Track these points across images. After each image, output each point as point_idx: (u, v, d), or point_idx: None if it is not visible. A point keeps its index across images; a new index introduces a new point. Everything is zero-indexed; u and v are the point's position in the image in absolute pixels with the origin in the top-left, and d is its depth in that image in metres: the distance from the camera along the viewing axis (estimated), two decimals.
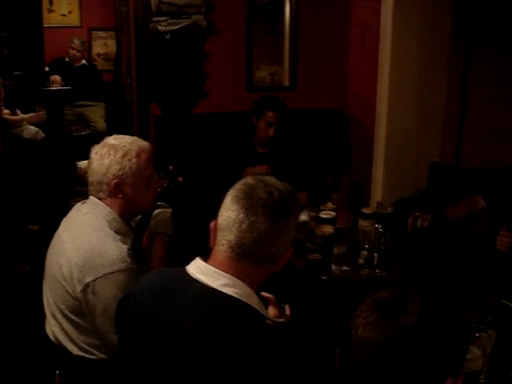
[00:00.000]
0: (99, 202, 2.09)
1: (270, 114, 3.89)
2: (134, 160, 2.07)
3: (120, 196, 2.07)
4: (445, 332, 1.18)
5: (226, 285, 1.43)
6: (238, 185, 1.51)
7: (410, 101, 4.30)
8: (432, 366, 1.15)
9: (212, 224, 1.52)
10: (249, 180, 1.51)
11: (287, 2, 4.79)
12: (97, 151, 2.09)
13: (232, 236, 1.44)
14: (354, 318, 1.20)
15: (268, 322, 1.50)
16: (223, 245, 1.46)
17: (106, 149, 2.07)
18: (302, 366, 1.39)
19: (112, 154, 2.05)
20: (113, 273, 1.91)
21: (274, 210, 1.45)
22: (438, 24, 4.21)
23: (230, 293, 1.42)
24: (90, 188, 2.10)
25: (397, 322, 1.14)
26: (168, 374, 1.40)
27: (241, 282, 1.45)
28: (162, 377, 1.41)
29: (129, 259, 1.96)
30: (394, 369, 1.13)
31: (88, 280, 1.92)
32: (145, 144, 2.15)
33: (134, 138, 2.17)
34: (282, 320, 1.67)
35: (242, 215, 1.43)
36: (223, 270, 1.45)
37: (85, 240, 1.99)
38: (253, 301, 1.46)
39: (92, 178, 2.08)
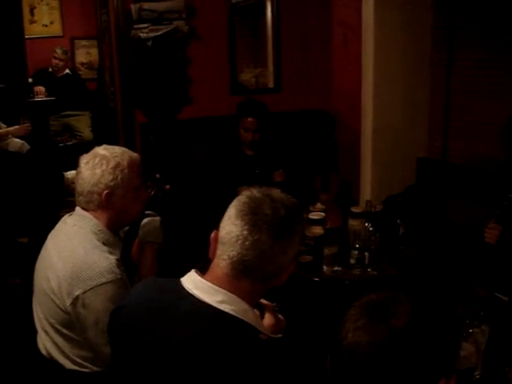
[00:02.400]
0: (86, 213, 2.07)
1: (248, 119, 3.90)
2: (125, 171, 2.05)
3: (109, 207, 2.05)
4: (436, 333, 1.16)
5: (222, 301, 1.39)
6: (243, 197, 1.45)
7: (395, 97, 4.31)
8: (424, 367, 1.14)
9: (213, 234, 1.47)
10: (255, 193, 1.46)
11: (268, 3, 4.78)
12: (87, 161, 2.06)
13: (234, 252, 1.39)
14: (344, 322, 1.19)
15: (262, 336, 1.46)
16: (224, 259, 1.41)
17: (97, 159, 2.04)
18: (293, 382, 1.36)
19: (104, 165, 2.03)
20: (102, 284, 1.89)
21: (279, 228, 1.40)
22: (420, 19, 4.22)
23: (226, 310, 1.38)
24: (79, 198, 2.07)
25: (386, 325, 1.13)
26: None
27: (238, 299, 1.41)
28: None
29: (117, 270, 1.94)
30: (385, 373, 1.12)
31: (77, 293, 1.90)
32: (135, 155, 2.14)
33: (124, 149, 2.15)
34: (278, 335, 1.63)
35: (245, 232, 1.38)
36: (220, 286, 1.41)
37: (72, 253, 1.97)
38: (249, 317, 1.42)
39: (81, 187, 2.05)
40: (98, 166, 2.03)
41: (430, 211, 3.86)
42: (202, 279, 1.44)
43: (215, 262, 1.45)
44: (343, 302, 1.34)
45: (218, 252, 1.44)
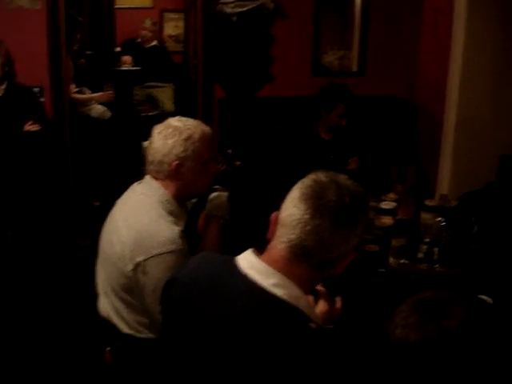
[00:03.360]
0: (154, 182, 2.10)
1: (343, 106, 3.83)
2: (197, 144, 2.07)
3: (178, 178, 2.07)
4: (490, 340, 1.10)
5: (276, 285, 1.36)
6: (309, 180, 1.41)
7: (483, 90, 4.13)
8: (473, 374, 1.08)
9: (273, 215, 1.45)
10: (321, 177, 1.41)
11: None
12: (160, 131, 2.09)
13: (294, 236, 1.36)
14: (393, 317, 1.14)
15: (313, 325, 1.43)
16: (283, 242, 1.38)
17: (170, 129, 2.07)
18: (338, 374, 1.32)
19: (177, 135, 2.05)
20: (163, 254, 1.92)
21: (343, 216, 1.36)
22: None
23: (278, 293, 1.36)
24: (150, 167, 2.10)
25: (438, 325, 1.08)
26: (206, 363, 1.37)
27: (292, 284, 1.38)
28: (201, 365, 1.39)
29: (180, 241, 1.96)
30: (432, 374, 1.07)
31: (139, 260, 1.94)
32: (207, 129, 2.15)
33: (198, 121, 2.17)
34: (329, 326, 1.61)
35: (307, 216, 1.35)
36: (276, 268, 1.38)
37: (137, 220, 2.00)
38: (302, 304, 1.39)
39: (153, 157, 2.08)
40: (170, 136, 2.06)
41: (509, 211, 3.69)
42: (258, 260, 1.42)
43: (273, 243, 1.42)
44: (407, 297, 1.29)
45: (278, 234, 1.41)
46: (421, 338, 1.07)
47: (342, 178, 1.43)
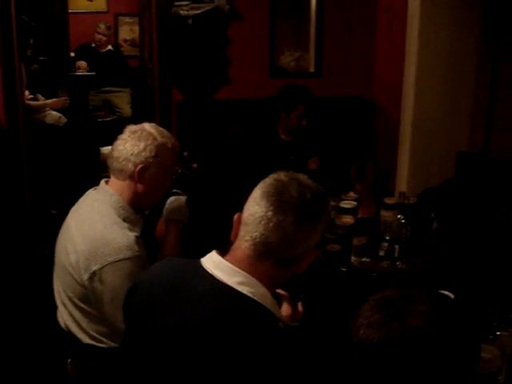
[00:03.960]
0: (108, 188, 2.07)
1: (302, 107, 3.83)
2: (166, 153, 2.08)
3: (139, 181, 2.05)
4: (454, 337, 1.09)
5: (241, 283, 1.37)
6: (270, 179, 1.43)
7: (438, 88, 4.19)
8: (438, 372, 1.08)
9: (236, 216, 1.46)
10: (282, 176, 1.44)
11: None
12: (134, 131, 2.08)
13: (257, 233, 1.37)
14: (357, 317, 1.14)
15: (280, 324, 1.44)
16: (246, 241, 1.39)
17: (145, 133, 2.06)
18: (307, 371, 1.32)
19: (150, 140, 2.05)
20: (119, 261, 1.89)
21: (305, 212, 1.38)
22: (467, 8, 4.08)
23: (244, 291, 1.36)
24: (114, 164, 2.06)
25: (402, 324, 1.07)
26: (172, 366, 1.35)
27: (257, 282, 1.39)
28: (166, 368, 1.37)
29: (136, 247, 1.93)
30: (397, 373, 1.06)
31: (94, 268, 1.90)
32: (178, 143, 2.17)
33: (171, 134, 2.17)
34: (295, 324, 1.63)
35: (270, 213, 1.36)
36: (241, 268, 1.39)
37: (91, 227, 1.96)
38: (267, 302, 1.40)
39: (120, 153, 2.05)
40: (143, 139, 2.05)
41: (468, 207, 3.74)
42: (222, 259, 1.42)
43: (237, 243, 1.43)
44: (369, 295, 1.29)
45: (241, 233, 1.42)
46: (384, 337, 1.06)
47: (302, 177, 1.46)
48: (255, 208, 1.39)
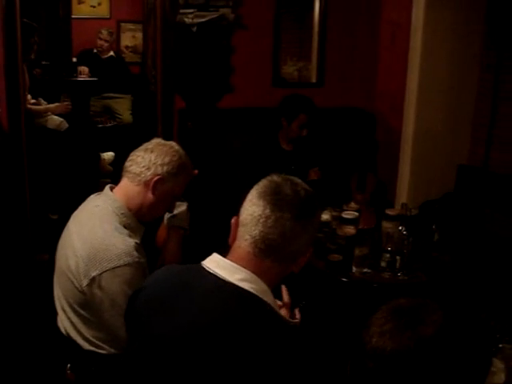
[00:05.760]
0: (112, 194, 2.07)
1: (304, 116, 3.84)
2: (183, 175, 2.12)
3: (151, 191, 2.06)
4: (466, 345, 1.10)
5: (243, 279, 1.41)
6: (264, 181, 1.49)
7: (440, 101, 4.19)
8: (450, 380, 1.08)
9: (233, 220, 1.50)
10: (274, 178, 1.50)
11: None
12: (163, 144, 2.13)
13: (256, 231, 1.41)
14: (369, 325, 1.14)
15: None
16: (246, 240, 1.43)
17: (172, 149, 2.12)
18: (313, 368, 1.35)
19: (175, 157, 2.10)
20: (119, 267, 1.88)
21: (300, 208, 1.44)
22: (470, 22, 4.09)
23: (246, 287, 1.40)
24: (131, 167, 2.09)
25: (414, 332, 1.07)
26: (180, 366, 1.37)
27: (258, 279, 1.42)
28: (173, 371, 1.38)
29: (136, 253, 1.92)
30: (409, 382, 1.06)
31: (94, 274, 1.89)
32: (195, 172, 2.24)
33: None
34: (295, 321, 1.67)
35: (268, 210, 1.41)
36: (241, 265, 1.43)
37: (91, 233, 1.96)
38: (268, 298, 1.44)
39: (142, 158, 2.08)
40: (170, 154, 2.10)
41: (468, 220, 3.75)
42: (223, 258, 1.47)
43: (236, 244, 1.47)
44: (370, 305, 1.30)
45: (239, 234, 1.46)
46: (397, 346, 1.06)
47: (294, 178, 1.52)
48: (253, 208, 1.44)
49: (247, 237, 1.43)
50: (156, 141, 2.16)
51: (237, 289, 1.40)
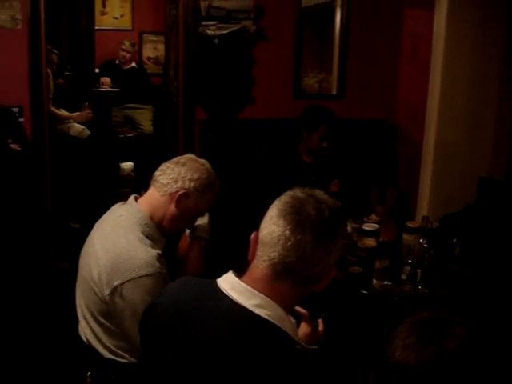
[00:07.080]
0: (136, 205, 2.08)
1: (324, 128, 3.85)
2: (210, 194, 2.13)
3: (174, 203, 2.06)
4: (489, 359, 1.09)
5: (258, 305, 1.34)
6: (286, 197, 1.41)
7: (461, 113, 4.18)
8: None
9: (253, 236, 1.43)
10: (298, 193, 1.41)
11: (338, 9, 4.72)
12: (195, 160, 2.14)
13: (275, 253, 1.34)
14: (393, 338, 1.13)
15: (298, 346, 1.41)
16: (264, 261, 1.36)
17: (203, 167, 2.13)
18: None
19: (204, 175, 2.10)
20: (141, 277, 1.89)
21: (323, 229, 1.35)
22: (491, 34, 4.08)
23: (261, 314, 1.33)
24: (161, 176, 2.10)
25: (438, 346, 1.06)
26: None
27: (275, 304, 1.36)
28: None
29: (158, 264, 1.93)
30: None
31: (116, 283, 1.90)
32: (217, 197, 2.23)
33: None
34: (313, 347, 1.59)
35: (288, 232, 1.33)
36: (258, 289, 1.36)
37: (114, 242, 1.97)
38: (285, 325, 1.37)
39: (173, 171, 2.09)
40: (199, 170, 2.10)
41: (489, 233, 3.72)
42: (239, 281, 1.40)
43: (254, 263, 1.40)
44: (390, 318, 1.28)
45: (259, 253, 1.39)
46: (421, 359, 1.05)
47: (319, 193, 1.43)
48: (273, 227, 1.36)
49: (265, 257, 1.36)
50: (189, 156, 2.17)
51: (251, 315, 1.34)
